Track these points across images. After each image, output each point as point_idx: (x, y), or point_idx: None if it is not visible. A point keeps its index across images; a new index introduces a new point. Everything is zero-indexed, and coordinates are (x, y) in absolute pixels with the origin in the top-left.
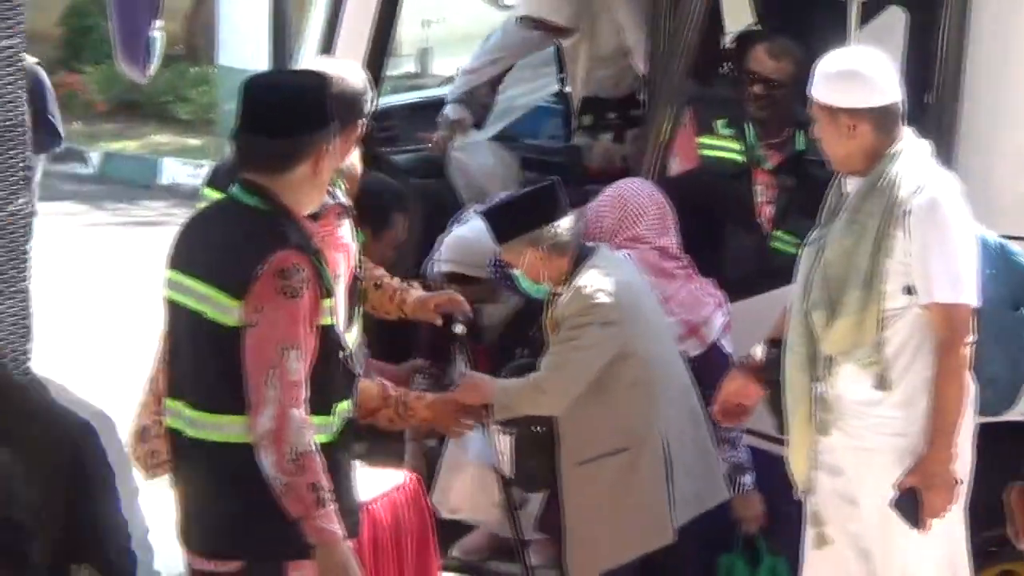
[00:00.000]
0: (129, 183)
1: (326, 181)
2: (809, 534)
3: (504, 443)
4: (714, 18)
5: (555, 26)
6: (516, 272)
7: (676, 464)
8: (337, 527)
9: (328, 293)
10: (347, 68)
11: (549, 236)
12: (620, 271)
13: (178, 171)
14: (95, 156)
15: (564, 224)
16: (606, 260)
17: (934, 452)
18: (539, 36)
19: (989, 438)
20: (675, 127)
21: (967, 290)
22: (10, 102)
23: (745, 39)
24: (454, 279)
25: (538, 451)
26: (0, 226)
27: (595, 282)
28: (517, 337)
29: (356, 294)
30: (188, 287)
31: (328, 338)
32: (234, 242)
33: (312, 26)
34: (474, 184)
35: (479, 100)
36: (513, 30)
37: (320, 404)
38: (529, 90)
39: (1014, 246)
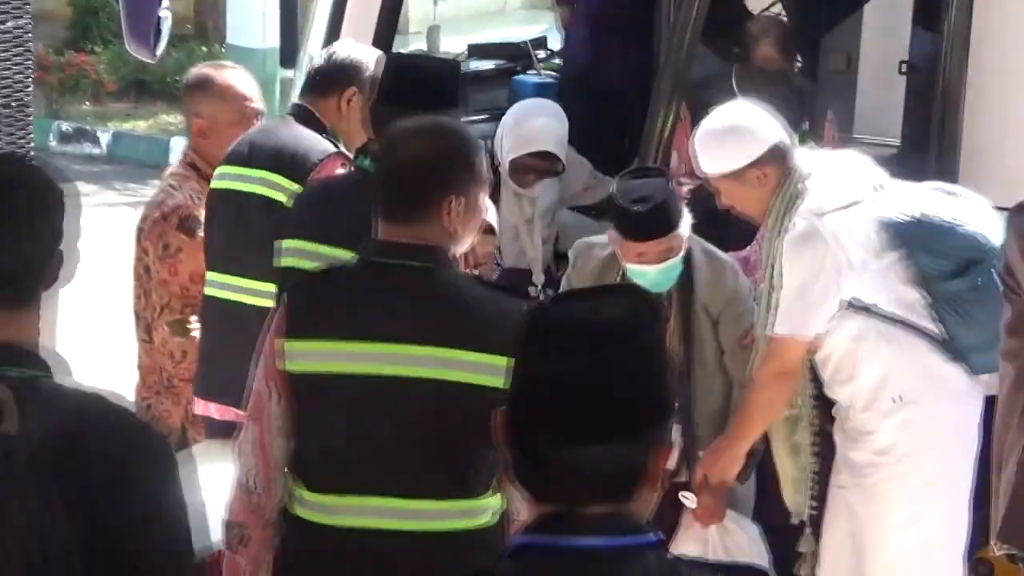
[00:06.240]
0: (139, 163)
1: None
2: None
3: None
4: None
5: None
6: (674, 262)
7: None
8: None
9: None
10: (357, 47)
11: None
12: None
13: None
14: (105, 136)
15: None
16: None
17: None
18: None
19: None
20: (675, 123)
21: (797, 325)
22: (18, 83)
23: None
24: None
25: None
26: None
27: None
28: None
29: None
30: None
31: None
32: None
33: (320, 5)
34: None
35: None
36: None
37: None
38: None
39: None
